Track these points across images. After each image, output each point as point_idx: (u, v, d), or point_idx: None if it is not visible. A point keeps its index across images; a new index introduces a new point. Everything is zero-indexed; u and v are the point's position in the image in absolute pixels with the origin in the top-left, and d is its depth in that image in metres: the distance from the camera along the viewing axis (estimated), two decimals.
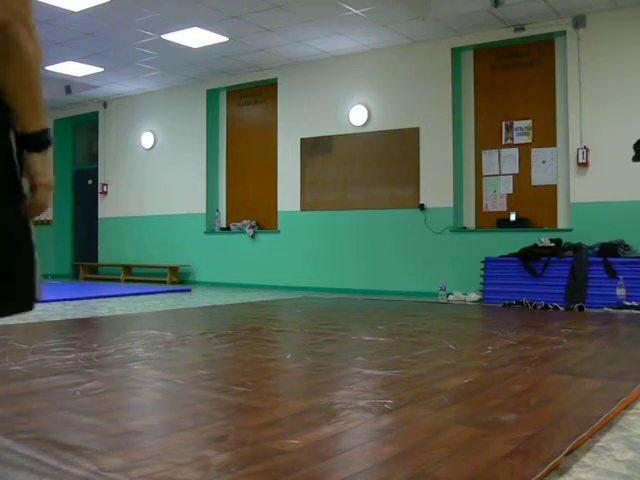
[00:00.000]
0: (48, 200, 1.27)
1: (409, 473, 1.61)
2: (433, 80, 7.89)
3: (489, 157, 7.71)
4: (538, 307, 6.10)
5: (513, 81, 7.58)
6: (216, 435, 1.94)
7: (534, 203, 7.40)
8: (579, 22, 6.90)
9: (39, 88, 1.34)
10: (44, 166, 1.23)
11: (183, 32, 7.64)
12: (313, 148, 8.84)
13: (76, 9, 6.89)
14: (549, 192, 7.33)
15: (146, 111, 10.66)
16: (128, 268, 10.60)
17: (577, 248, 6.53)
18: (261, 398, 2.42)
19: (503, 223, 7.44)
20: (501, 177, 7.61)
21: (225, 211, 10.04)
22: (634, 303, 5.98)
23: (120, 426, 2.03)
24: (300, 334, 4.36)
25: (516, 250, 6.86)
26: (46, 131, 1.29)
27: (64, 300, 6.93)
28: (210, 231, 9.91)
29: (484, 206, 7.75)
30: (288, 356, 3.42)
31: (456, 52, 7.81)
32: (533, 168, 7.43)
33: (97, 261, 11.33)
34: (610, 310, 5.94)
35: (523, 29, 7.23)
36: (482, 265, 7.02)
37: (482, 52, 7.77)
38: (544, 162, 7.36)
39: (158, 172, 10.47)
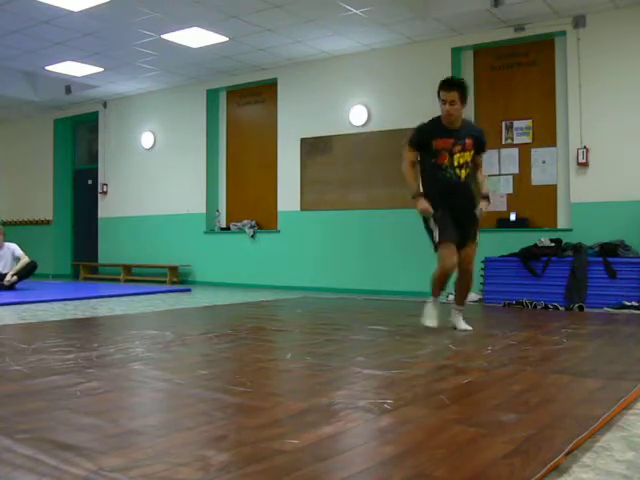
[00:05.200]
0: (484, 212, 4.36)
1: (409, 473, 1.61)
2: (433, 80, 7.85)
3: (489, 157, 7.68)
4: (538, 307, 6.10)
5: (513, 81, 7.57)
6: (216, 435, 1.94)
7: (534, 203, 7.40)
8: (579, 22, 6.90)
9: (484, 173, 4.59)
10: (487, 204, 4.37)
11: (183, 32, 7.64)
12: (313, 148, 8.84)
13: (76, 9, 6.89)
14: (549, 192, 7.33)
15: (146, 111, 10.66)
16: (128, 268, 10.60)
17: (577, 248, 6.52)
18: (261, 398, 2.42)
19: (503, 223, 7.44)
20: (501, 177, 7.61)
21: (225, 211, 10.04)
22: (634, 303, 5.98)
23: (120, 426, 2.03)
24: (300, 334, 4.36)
25: (516, 250, 6.86)
26: (488, 194, 4.42)
27: (64, 300, 6.93)
28: (210, 231, 9.91)
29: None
30: (288, 356, 3.42)
31: (456, 52, 7.80)
32: (533, 168, 7.43)
33: (97, 261, 11.33)
34: (610, 310, 5.95)
35: (523, 29, 7.23)
36: (482, 265, 7.01)
37: (482, 52, 7.77)
38: (544, 162, 7.36)
39: (158, 172, 10.47)
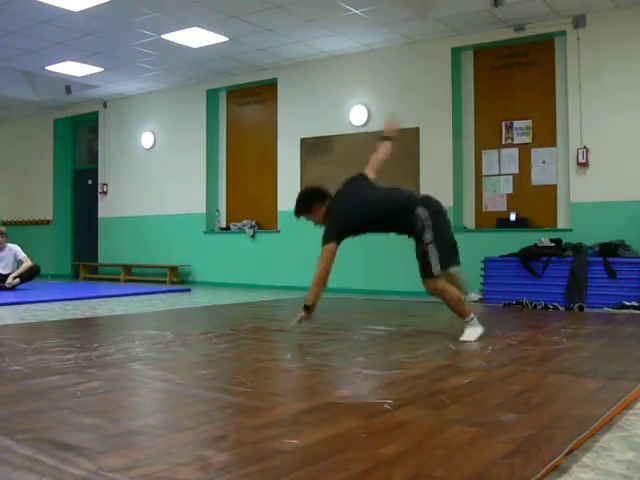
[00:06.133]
0: None
1: (409, 473, 1.61)
2: (433, 80, 7.88)
3: (489, 157, 7.71)
4: (538, 307, 6.10)
5: (513, 81, 7.58)
6: (216, 435, 1.94)
7: (534, 203, 7.40)
8: (579, 22, 6.90)
9: None
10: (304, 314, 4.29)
11: (183, 32, 7.64)
12: (313, 148, 8.83)
13: (76, 9, 6.89)
14: (549, 192, 7.33)
15: (146, 111, 10.66)
16: (128, 268, 10.60)
17: (577, 248, 6.52)
18: (261, 398, 2.42)
19: (503, 223, 7.44)
20: (501, 177, 7.62)
21: (225, 211, 10.04)
22: (634, 303, 5.98)
23: (120, 426, 2.03)
24: (300, 334, 4.36)
25: (516, 250, 6.86)
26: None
27: (64, 300, 6.93)
28: (210, 231, 9.91)
29: (484, 206, 7.75)
30: (288, 356, 3.42)
31: (456, 52, 7.81)
32: (533, 168, 7.43)
33: (97, 261, 11.33)
34: (610, 310, 5.95)
35: (523, 29, 7.23)
36: (482, 265, 7.01)
37: (482, 52, 7.77)
38: (544, 162, 7.36)
39: (158, 172, 10.47)
